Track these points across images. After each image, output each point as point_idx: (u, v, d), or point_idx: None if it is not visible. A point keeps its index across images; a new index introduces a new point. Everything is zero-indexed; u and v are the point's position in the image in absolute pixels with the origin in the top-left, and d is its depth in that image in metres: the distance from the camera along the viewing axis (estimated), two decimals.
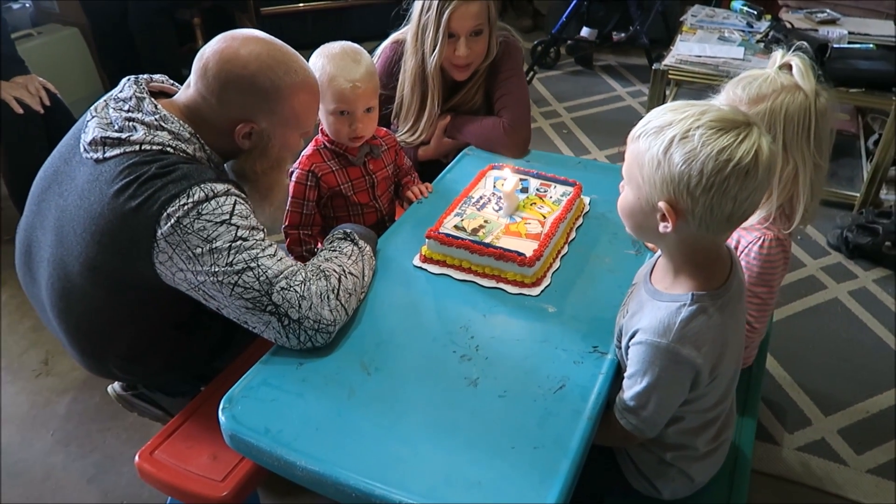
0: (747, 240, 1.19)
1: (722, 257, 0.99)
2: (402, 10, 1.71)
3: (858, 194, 2.56)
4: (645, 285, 1.03)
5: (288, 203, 1.44)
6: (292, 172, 1.43)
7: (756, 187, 0.85)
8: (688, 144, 0.84)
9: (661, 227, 0.90)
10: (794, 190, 1.14)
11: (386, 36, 1.79)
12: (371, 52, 1.53)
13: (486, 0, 1.59)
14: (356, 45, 1.40)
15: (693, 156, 0.83)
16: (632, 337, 0.99)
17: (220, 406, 1.01)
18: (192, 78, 1.15)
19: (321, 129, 1.45)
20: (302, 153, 1.46)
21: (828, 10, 2.92)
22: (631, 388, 1.01)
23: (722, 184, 0.83)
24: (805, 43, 1.25)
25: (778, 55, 1.14)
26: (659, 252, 1.04)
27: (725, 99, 1.13)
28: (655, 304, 0.98)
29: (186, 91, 1.17)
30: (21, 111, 2.03)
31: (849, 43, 2.67)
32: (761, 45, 2.68)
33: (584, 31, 3.75)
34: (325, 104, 1.37)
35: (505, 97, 1.71)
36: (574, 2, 3.45)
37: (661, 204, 0.88)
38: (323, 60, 1.36)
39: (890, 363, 1.95)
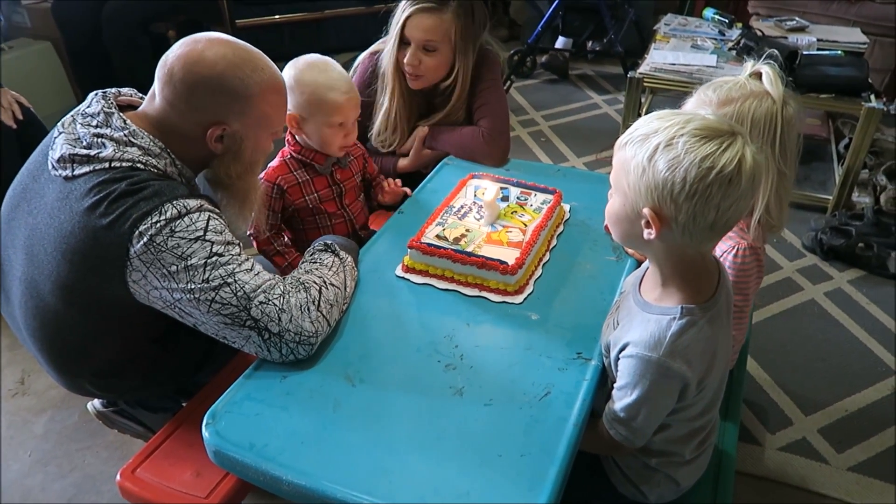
0: (721, 248, 1.20)
1: (709, 269, 1.00)
2: (380, 27, 1.73)
3: (831, 197, 2.61)
4: (634, 296, 1.03)
5: (256, 214, 1.44)
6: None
7: (739, 196, 0.86)
8: (671, 151, 0.85)
9: (646, 234, 0.91)
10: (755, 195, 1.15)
11: (363, 47, 1.81)
12: (348, 63, 1.55)
13: (445, 20, 1.59)
14: (325, 57, 1.43)
15: (677, 163, 0.84)
16: (622, 349, 0.99)
17: (204, 422, 1.00)
18: (157, 86, 1.13)
19: (288, 139, 1.46)
20: (269, 164, 1.46)
21: (797, 18, 2.99)
22: (621, 400, 1.01)
23: (705, 191, 0.84)
24: (776, 51, 1.28)
25: (749, 64, 1.16)
26: (647, 263, 1.05)
27: (696, 100, 1.15)
28: (645, 316, 0.99)
29: (152, 102, 1.15)
30: None
31: (818, 50, 2.73)
32: (733, 52, 2.73)
33: (560, 41, 3.79)
34: (322, 117, 1.39)
35: (484, 107, 1.72)
36: (549, 12, 3.49)
37: (646, 210, 0.88)
38: (313, 73, 1.39)
39: (866, 362, 1.98)
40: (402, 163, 1.77)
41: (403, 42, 1.63)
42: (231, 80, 1.11)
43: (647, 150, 0.86)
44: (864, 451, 1.72)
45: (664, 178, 0.85)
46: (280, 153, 1.48)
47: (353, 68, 1.79)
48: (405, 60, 1.63)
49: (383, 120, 1.75)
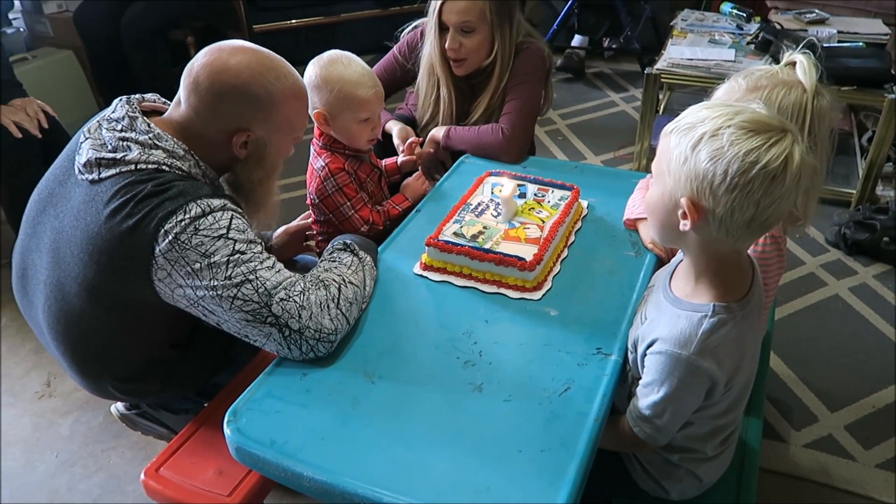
0: None
1: (744, 267, 0.98)
2: (396, 30, 1.77)
3: (855, 191, 2.57)
4: (664, 291, 1.02)
5: (350, 208, 1.50)
6: (326, 182, 1.48)
7: (782, 195, 0.84)
8: (716, 142, 0.83)
9: (682, 225, 0.89)
10: None
11: (378, 50, 1.84)
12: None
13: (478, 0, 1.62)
14: (347, 52, 1.48)
15: (720, 154, 0.83)
16: (650, 345, 0.98)
17: (225, 419, 1.01)
18: (183, 94, 1.16)
19: (323, 139, 1.48)
20: (321, 165, 1.49)
21: (816, 11, 2.94)
22: (646, 397, 1.00)
23: (746, 186, 0.82)
24: (814, 39, 1.24)
25: (787, 54, 1.13)
26: (678, 257, 1.03)
27: (727, 88, 1.12)
28: (675, 312, 0.97)
29: (178, 108, 1.17)
30: (20, 135, 2.03)
31: (838, 42, 2.69)
32: (751, 46, 2.70)
33: (576, 39, 3.77)
34: (350, 114, 1.44)
35: (510, 103, 1.73)
36: (564, 11, 3.48)
37: (683, 200, 0.87)
38: (339, 69, 1.43)
39: (893, 358, 1.95)
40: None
41: (442, 29, 1.67)
42: (256, 89, 1.13)
43: (692, 139, 0.85)
44: (892, 447, 1.69)
45: (705, 169, 0.83)
46: (318, 153, 1.52)
47: (408, 29, 1.85)
48: (446, 45, 1.66)
49: (431, 110, 1.79)
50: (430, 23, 1.68)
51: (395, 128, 1.77)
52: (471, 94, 1.80)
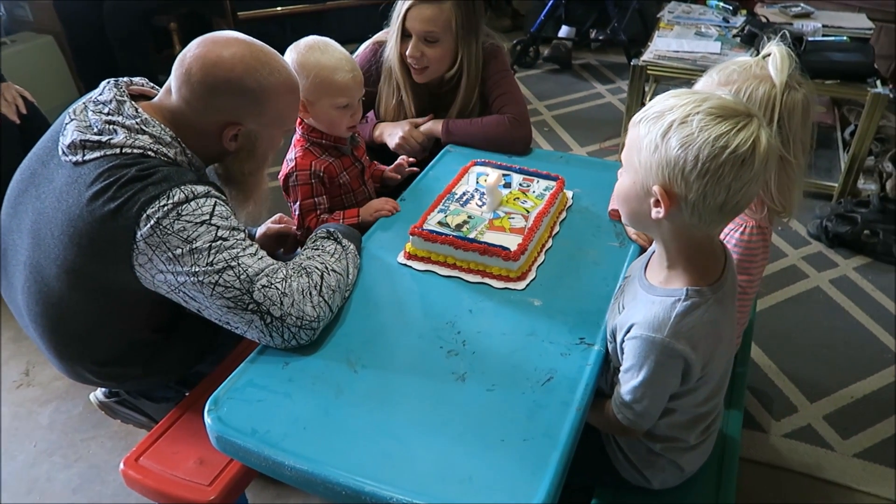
0: (729, 227, 1.19)
1: (716, 253, 0.99)
2: (382, 19, 1.72)
3: (837, 184, 2.59)
4: (640, 280, 1.03)
5: (297, 208, 1.46)
6: (289, 176, 1.45)
7: (751, 178, 0.85)
8: (685, 129, 0.84)
9: (654, 212, 0.90)
10: None
11: (365, 39, 1.80)
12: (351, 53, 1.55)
13: (445, 9, 1.58)
14: (325, 38, 1.44)
15: (690, 140, 0.84)
16: (627, 332, 0.99)
17: (206, 408, 1.00)
18: (174, 83, 1.14)
19: (302, 128, 1.46)
20: (291, 157, 1.46)
21: (802, 4, 2.96)
22: (627, 383, 1.01)
23: (717, 171, 0.83)
24: (786, 31, 1.25)
25: (768, 46, 1.14)
26: (653, 247, 1.04)
27: (704, 82, 1.13)
28: (650, 298, 0.98)
29: (168, 96, 1.16)
30: None
31: (823, 36, 2.70)
32: (737, 39, 2.72)
33: (563, 30, 3.77)
34: (328, 99, 1.40)
35: (503, 96, 1.71)
36: (552, 1, 3.47)
37: (656, 188, 0.88)
38: (316, 55, 1.39)
39: (872, 349, 1.97)
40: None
41: (405, 35, 1.63)
42: (249, 83, 1.12)
43: (661, 127, 0.86)
44: (869, 437, 1.71)
45: (676, 156, 0.84)
46: (294, 143, 1.49)
47: (353, 56, 1.79)
48: (407, 53, 1.63)
49: (392, 116, 1.74)
50: (393, 26, 1.64)
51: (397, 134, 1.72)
52: (434, 106, 1.76)
